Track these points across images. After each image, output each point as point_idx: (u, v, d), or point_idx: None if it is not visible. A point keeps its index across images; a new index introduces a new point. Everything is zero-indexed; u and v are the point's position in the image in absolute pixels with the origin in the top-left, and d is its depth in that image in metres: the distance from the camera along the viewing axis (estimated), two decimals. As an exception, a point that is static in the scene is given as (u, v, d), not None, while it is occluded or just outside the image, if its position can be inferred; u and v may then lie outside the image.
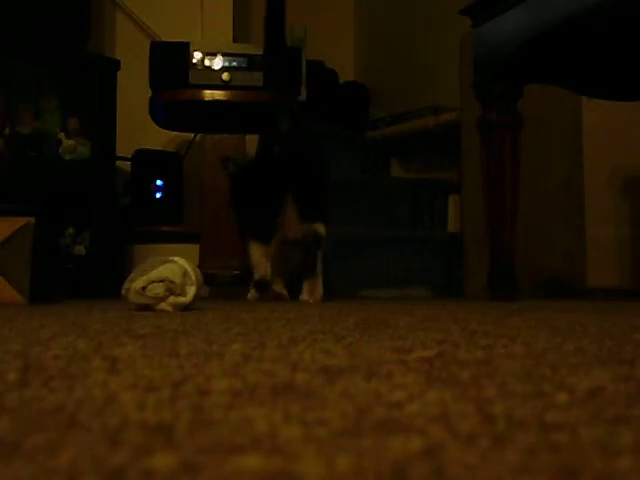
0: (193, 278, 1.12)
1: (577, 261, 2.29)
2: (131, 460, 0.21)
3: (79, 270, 2.00)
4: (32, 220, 1.46)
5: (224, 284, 1.99)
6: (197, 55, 1.94)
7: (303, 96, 2.15)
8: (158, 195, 2.29)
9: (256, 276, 1.55)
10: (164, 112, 2.09)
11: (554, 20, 1.49)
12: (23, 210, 1.70)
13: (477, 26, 1.73)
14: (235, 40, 2.59)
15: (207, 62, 1.94)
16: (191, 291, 1.12)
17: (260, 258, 1.52)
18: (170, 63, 1.95)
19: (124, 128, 2.16)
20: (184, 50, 1.94)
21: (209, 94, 1.95)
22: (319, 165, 1.64)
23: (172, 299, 1.11)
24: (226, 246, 2.03)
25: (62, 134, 2.03)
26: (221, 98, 1.96)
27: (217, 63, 1.95)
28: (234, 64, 1.96)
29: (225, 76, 1.94)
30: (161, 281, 1.11)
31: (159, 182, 2.29)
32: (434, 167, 2.82)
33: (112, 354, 0.48)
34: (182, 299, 1.11)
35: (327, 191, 1.60)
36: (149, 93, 1.99)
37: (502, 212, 1.69)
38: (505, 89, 1.68)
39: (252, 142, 2.50)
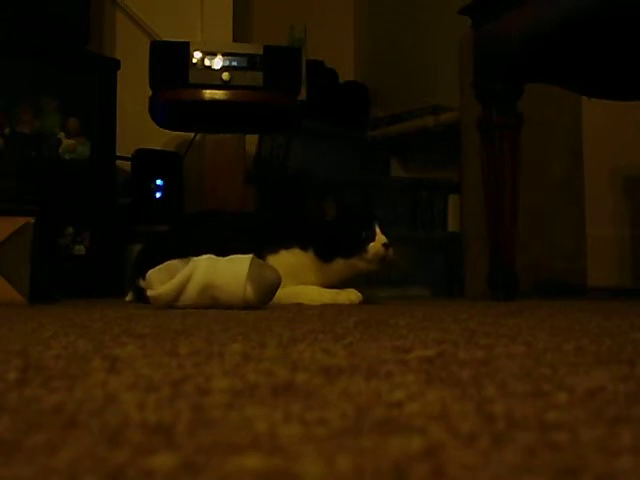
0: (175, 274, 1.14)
1: (577, 261, 2.29)
2: (131, 460, 0.21)
3: (79, 270, 2.00)
4: (32, 220, 1.46)
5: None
6: (197, 55, 1.94)
7: (303, 96, 2.15)
8: (158, 195, 2.29)
9: None
10: (164, 112, 2.09)
11: (554, 20, 1.49)
12: (23, 210, 1.70)
13: (477, 26, 1.73)
14: (235, 40, 2.59)
15: (207, 62, 1.94)
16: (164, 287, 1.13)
17: None
18: (170, 63, 1.95)
19: (124, 128, 2.16)
20: (184, 50, 1.94)
21: (209, 94, 1.95)
22: None
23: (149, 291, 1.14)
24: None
25: (62, 134, 2.03)
26: (221, 98, 1.96)
27: (217, 63, 1.95)
28: (234, 64, 1.96)
29: (225, 76, 1.94)
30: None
31: (159, 182, 2.29)
32: (434, 167, 2.83)
33: (112, 354, 0.48)
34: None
35: None
36: (149, 93, 1.99)
37: (502, 212, 1.69)
38: (505, 89, 1.68)
39: (252, 142, 2.51)
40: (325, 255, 1.47)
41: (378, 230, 1.49)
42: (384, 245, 1.47)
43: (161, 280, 1.14)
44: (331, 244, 1.48)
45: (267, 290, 1.16)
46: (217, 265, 1.15)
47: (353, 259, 1.47)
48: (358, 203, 1.58)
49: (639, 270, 2.24)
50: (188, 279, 1.13)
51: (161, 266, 1.17)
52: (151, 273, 1.16)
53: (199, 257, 1.18)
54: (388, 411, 0.29)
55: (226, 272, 1.14)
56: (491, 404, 0.30)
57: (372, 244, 1.47)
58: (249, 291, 1.13)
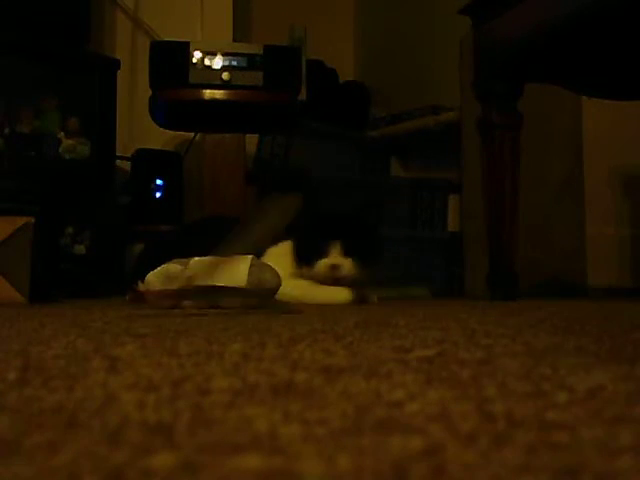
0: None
1: (577, 261, 2.29)
2: (131, 459, 0.21)
3: (79, 270, 2.00)
4: (32, 220, 1.46)
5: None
6: (197, 54, 1.94)
7: (303, 96, 2.15)
8: (158, 195, 2.29)
9: None
10: (164, 111, 2.09)
11: (554, 19, 1.49)
12: (23, 210, 1.70)
13: (477, 25, 1.73)
14: (235, 40, 2.59)
15: (207, 61, 1.94)
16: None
17: None
18: (170, 63, 1.95)
19: (124, 128, 2.16)
20: (184, 50, 1.94)
21: (209, 93, 1.95)
22: None
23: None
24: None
25: (62, 134, 2.03)
26: (221, 97, 1.96)
27: (217, 62, 1.95)
28: (234, 63, 1.96)
29: (225, 75, 1.94)
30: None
31: (159, 181, 2.29)
32: (434, 167, 2.82)
33: (112, 354, 0.48)
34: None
35: None
36: (149, 93, 1.99)
37: (502, 212, 1.69)
38: (505, 88, 1.68)
39: (252, 142, 2.51)
40: (297, 258, 1.41)
41: (336, 248, 1.39)
42: (332, 266, 1.38)
43: (160, 285, 1.14)
44: (297, 246, 1.42)
45: (267, 293, 1.16)
46: (216, 269, 1.14)
47: (307, 269, 1.40)
48: (336, 207, 1.52)
49: (639, 270, 2.24)
50: (187, 285, 1.13)
51: (160, 269, 1.16)
52: (150, 277, 1.15)
53: (198, 259, 1.17)
54: (388, 411, 0.29)
55: (225, 277, 1.13)
56: (491, 404, 0.30)
57: (321, 261, 1.39)
58: (254, 281, 1.13)
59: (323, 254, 1.38)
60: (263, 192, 2.48)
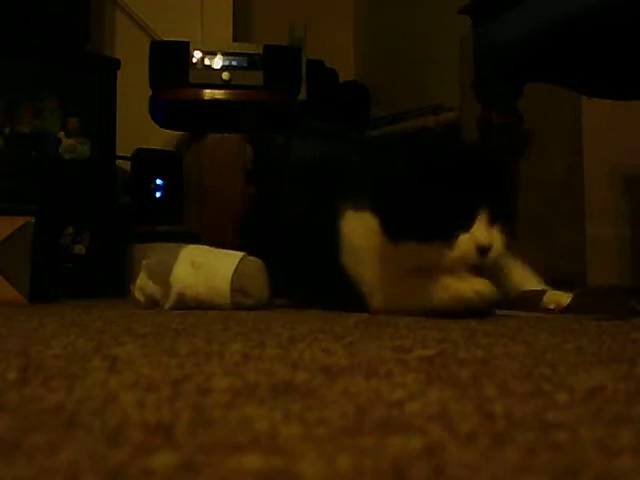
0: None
1: (577, 260, 2.28)
2: (131, 459, 0.21)
3: (79, 269, 2.00)
4: (32, 219, 1.46)
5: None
6: (197, 54, 1.94)
7: (303, 95, 2.15)
8: (158, 194, 2.29)
9: None
10: (164, 111, 2.09)
11: (554, 19, 1.49)
12: (23, 210, 1.70)
13: (477, 25, 1.73)
14: (235, 40, 2.59)
15: (207, 61, 1.94)
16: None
17: None
18: (170, 62, 1.95)
19: (124, 127, 2.16)
20: (184, 49, 1.94)
21: (209, 93, 1.95)
22: None
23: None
24: (226, 246, 2.02)
25: (62, 133, 2.03)
26: (221, 97, 1.96)
27: (217, 62, 1.95)
28: (234, 63, 1.96)
29: (225, 75, 1.94)
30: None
31: (159, 181, 2.29)
32: (434, 167, 2.82)
33: (112, 353, 0.48)
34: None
35: None
36: (149, 92, 1.99)
37: (502, 212, 1.69)
38: (505, 88, 1.68)
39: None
40: (394, 232, 0.91)
41: (482, 220, 0.88)
42: (479, 248, 0.88)
43: (151, 285, 1.14)
44: (403, 215, 0.90)
45: (256, 298, 1.14)
46: (198, 277, 1.13)
47: (430, 246, 0.89)
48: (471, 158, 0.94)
49: (639, 269, 2.24)
50: (169, 289, 1.12)
51: (149, 269, 1.15)
52: (139, 279, 1.15)
53: (194, 246, 1.17)
54: (388, 411, 0.29)
55: (209, 285, 1.12)
56: (491, 404, 0.30)
57: (463, 237, 0.88)
58: (237, 301, 1.12)
59: (460, 227, 0.89)
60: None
